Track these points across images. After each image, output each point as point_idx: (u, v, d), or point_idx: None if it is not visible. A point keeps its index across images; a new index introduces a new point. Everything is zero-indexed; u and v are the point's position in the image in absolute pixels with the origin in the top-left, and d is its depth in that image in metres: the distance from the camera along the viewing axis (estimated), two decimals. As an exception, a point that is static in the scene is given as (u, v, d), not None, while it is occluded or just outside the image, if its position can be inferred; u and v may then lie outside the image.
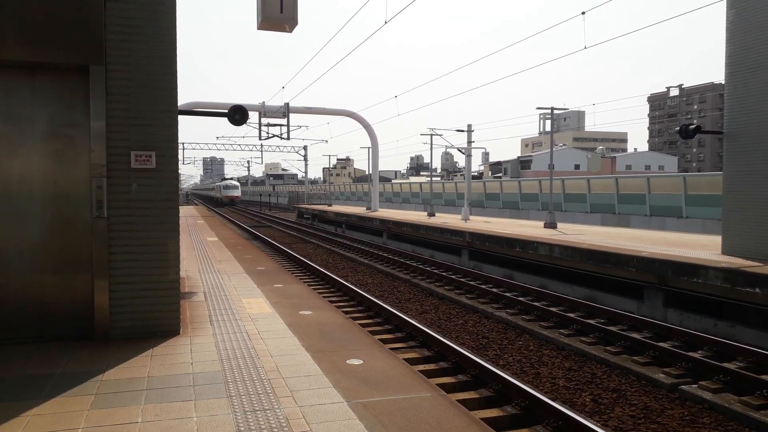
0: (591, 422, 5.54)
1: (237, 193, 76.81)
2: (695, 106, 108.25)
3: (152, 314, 5.82)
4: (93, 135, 5.59)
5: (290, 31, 8.02)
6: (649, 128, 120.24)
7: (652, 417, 6.29)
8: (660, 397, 6.83)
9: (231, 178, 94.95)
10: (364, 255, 20.39)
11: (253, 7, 8.16)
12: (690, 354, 7.87)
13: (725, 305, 9.88)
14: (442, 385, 6.50)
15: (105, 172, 5.60)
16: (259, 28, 7.95)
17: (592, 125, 41.12)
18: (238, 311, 7.20)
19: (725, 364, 7.50)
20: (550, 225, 19.88)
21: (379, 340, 7.96)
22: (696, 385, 7.01)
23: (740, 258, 10.95)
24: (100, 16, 5.52)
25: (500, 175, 75.45)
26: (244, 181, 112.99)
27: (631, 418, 6.26)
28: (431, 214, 28.39)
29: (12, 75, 5.56)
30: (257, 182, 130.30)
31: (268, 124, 30.69)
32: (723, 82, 12.01)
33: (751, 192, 11.07)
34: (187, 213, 36.61)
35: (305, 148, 54.43)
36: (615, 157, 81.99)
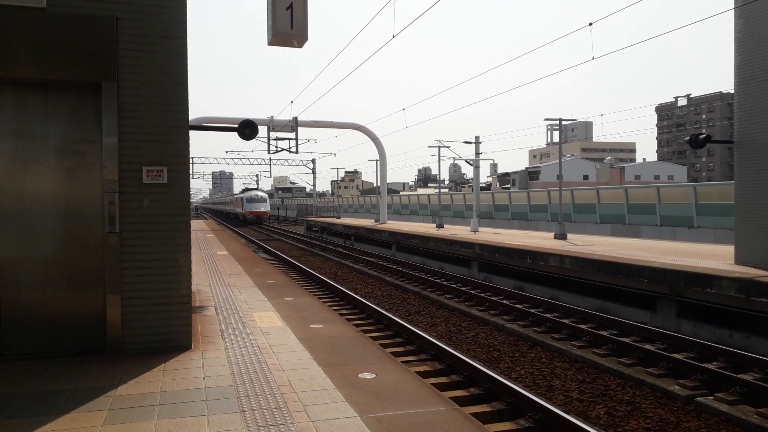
0: (606, 435, 5.47)
1: (265, 207, 57.54)
2: (703, 116, 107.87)
3: (164, 329, 5.83)
4: (105, 151, 5.63)
5: (300, 47, 8.08)
6: (657, 138, 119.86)
7: (668, 429, 6.21)
8: (675, 409, 6.74)
9: (256, 188, 66.92)
10: (373, 267, 20.36)
11: (264, 23, 8.22)
12: (705, 365, 7.78)
13: (740, 316, 9.77)
14: (455, 399, 6.45)
15: (117, 187, 5.64)
16: (269, 44, 8.01)
17: (600, 136, 41.05)
18: (249, 325, 7.20)
19: (741, 376, 7.40)
20: (560, 236, 19.79)
21: (391, 353, 7.92)
22: (712, 397, 6.92)
23: (754, 268, 10.84)
24: (112, 33, 5.58)
25: (508, 186, 75.35)
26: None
27: (646, 431, 6.18)
28: (440, 226, 28.34)
29: (25, 92, 5.62)
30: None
31: (277, 138, 30.80)
32: (731, 92, 11.99)
33: (763, 201, 10.98)
34: (196, 227, 36.77)
35: (313, 161, 54.67)
36: (624, 167, 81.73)
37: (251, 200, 57.31)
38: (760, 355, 8.16)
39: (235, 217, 67.36)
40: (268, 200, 58.89)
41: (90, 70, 5.57)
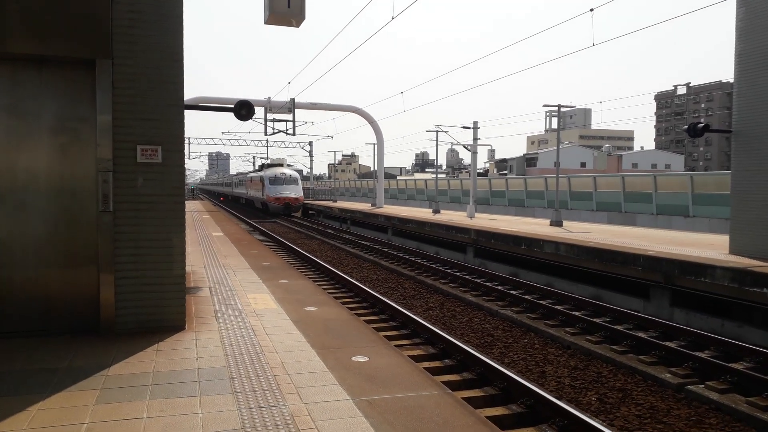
0: (597, 421, 5.51)
1: (297, 191, 39.77)
2: (702, 105, 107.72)
3: (158, 309, 5.82)
4: (99, 129, 5.58)
5: (297, 26, 7.99)
6: (656, 126, 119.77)
7: (659, 417, 6.25)
8: (666, 397, 6.78)
9: (280, 164, 45.54)
10: (368, 251, 20.36)
11: (261, 2, 8.12)
12: (697, 354, 7.82)
13: (732, 305, 9.81)
14: (447, 383, 6.47)
15: (111, 166, 5.59)
16: (266, 23, 7.92)
17: (598, 123, 41.10)
18: (244, 307, 7.19)
19: (732, 365, 7.45)
20: (556, 223, 19.81)
21: (384, 336, 7.94)
22: (703, 386, 6.96)
23: (748, 258, 10.88)
24: (107, 9, 5.50)
25: (506, 172, 75.29)
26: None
27: (637, 418, 6.22)
28: (436, 211, 28.33)
29: (18, 68, 5.55)
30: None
31: (274, 120, 30.68)
32: (731, 81, 11.94)
33: (759, 191, 10.98)
34: (192, 208, 36.70)
35: (310, 143, 54.29)
36: (621, 155, 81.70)
37: (277, 180, 39.00)
38: (752, 345, 8.21)
39: (249, 204, 49.85)
40: (300, 181, 40.08)
41: (85, 46, 5.50)
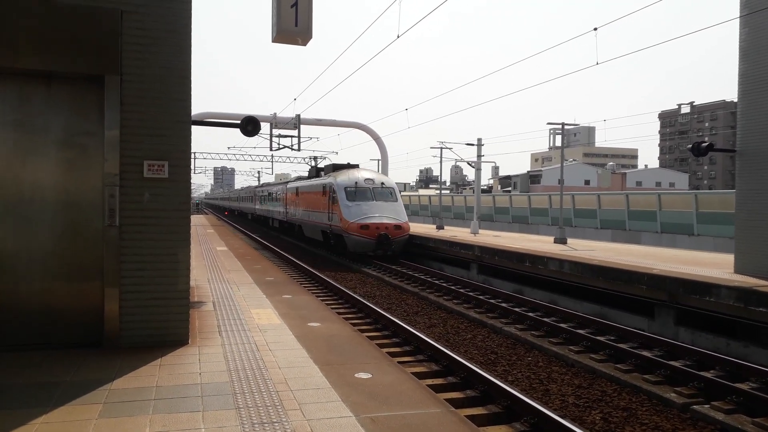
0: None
1: (396, 214, 22.43)
2: (706, 124, 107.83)
3: (161, 323, 5.82)
4: (107, 144, 5.63)
5: (304, 45, 8.08)
6: (659, 145, 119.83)
7: (664, 437, 6.20)
8: (672, 417, 6.73)
9: (356, 165, 26.74)
10: (371, 266, 20.33)
11: (268, 20, 8.22)
12: (702, 373, 7.76)
13: (738, 325, 9.75)
14: (450, 401, 6.44)
15: (118, 181, 5.64)
16: (273, 41, 8.01)
17: (602, 141, 41.19)
18: (247, 322, 7.19)
19: (738, 385, 7.39)
20: (560, 240, 19.77)
21: (387, 353, 7.91)
22: (708, 406, 6.90)
23: (753, 277, 10.83)
24: (117, 26, 5.57)
25: (510, 189, 75.33)
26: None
27: (641, 438, 6.17)
28: (440, 227, 28.32)
29: (27, 83, 5.61)
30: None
31: (279, 135, 30.82)
32: (734, 100, 11.97)
33: (764, 210, 10.96)
34: (197, 222, 36.78)
35: (315, 159, 54.53)
36: (625, 173, 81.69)
37: (360, 193, 22.77)
38: (758, 365, 8.14)
39: (289, 229, 32.85)
40: (399, 197, 24.02)
41: (93, 62, 5.57)
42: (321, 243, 26.14)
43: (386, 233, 21.22)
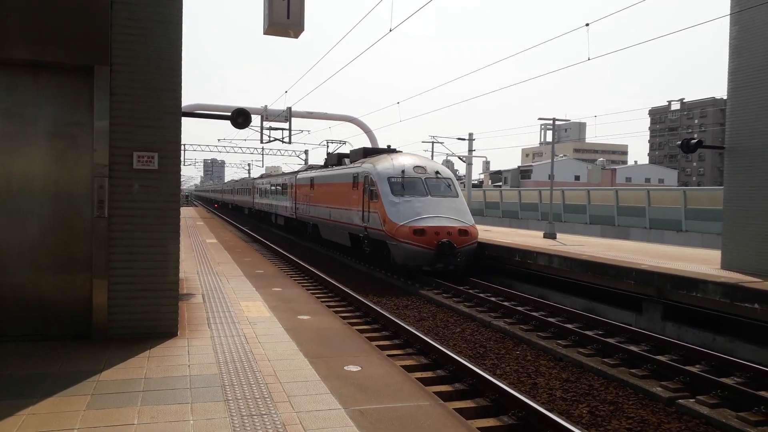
0: (588, 434, 5.52)
1: (460, 214, 16.45)
2: (696, 121, 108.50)
3: (150, 315, 5.81)
4: (96, 135, 5.59)
5: (296, 37, 8.05)
6: (649, 141, 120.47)
7: (649, 430, 6.27)
8: (657, 411, 6.80)
9: (395, 150, 21.37)
10: (365, 262, 20.33)
11: (260, 11, 8.18)
12: (688, 368, 7.85)
13: (724, 320, 9.86)
14: (439, 394, 6.47)
15: (107, 172, 5.60)
16: (265, 33, 7.97)
17: (593, 137, 41.31)
18: (237, 314, 7.18)
19: (723, 379, 7.47)
20: (550, 235, 19.87)
21: (377, 346, 7.93)
22: (693, 400, 6.98)
23: (740, 273, 10.94)
24: (107, 16, 5.53)
25: (500, 184, 75.48)
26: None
27: (627, 431, 6.23)
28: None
29: (16, 73, 5.56)
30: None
31: (270, 128, 30.73)
32: (724, 97, 12.05)
33: (751, 207, 11.07)
34: (187, 214, 36.63)
35: (306, 152, 54.36)
36: (615, 169, 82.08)
37: (408, 184, 16.96)
38: (743, 360, 8.24)
39: (305, 228, 26.63)
40: (460, 191, 18.02)
41: (83, 53, 5.52)
42: (346, 249, 20.74)
43: (449, 240, 15.25)
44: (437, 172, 17.40)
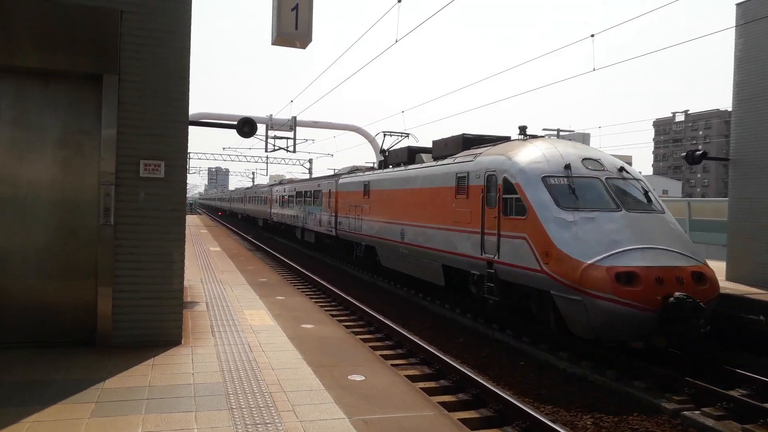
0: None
1: (686, 248, 9.16)
2: (700, 132, 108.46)
3: (155, 323, 5.82)
4: (103, 143, 5.63)
5: (304, 48, 8.09)
6: (654, 152, 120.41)
7: (654, 443, 6.22)
8: (662, 422, 6.76)
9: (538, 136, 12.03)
10: (369, 272, 20.31)
11: (268, 22, 8.24)
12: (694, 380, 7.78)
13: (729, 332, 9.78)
14: (443, 404, 6.45)
15: (113, 180, 5.63)
16: (273, 44, 8.01)
17: (597, 147, 41.19)
18: (240, 322, 7.19)
19: (729, 392, 7.42)
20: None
21: (381, 355, 7.91)
22: (699, 412, 6.93)
23: (745, 285, 10.89)
24: (116, 26, 5.58)
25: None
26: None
27: (632, 444, 6.19)
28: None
29: (25, 81, 5.61)
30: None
31: (275, 137, 30.86)
32: (728, 109, 12.06)
33: (757, 219, 11.04)
34: (190, 222, 36.71)
35: (310, 161, 54.50)
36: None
37: (579, 194, 9.38)
38: (748, 372, 8.18)
39: (350, 249, 20.37)
40: (661, 202, 10.23)
41: (92, 62, 5.57)
42: (430, 285, 14.19)
43: (688, 296, 8.04)
44: (622, 169, 10.26)
